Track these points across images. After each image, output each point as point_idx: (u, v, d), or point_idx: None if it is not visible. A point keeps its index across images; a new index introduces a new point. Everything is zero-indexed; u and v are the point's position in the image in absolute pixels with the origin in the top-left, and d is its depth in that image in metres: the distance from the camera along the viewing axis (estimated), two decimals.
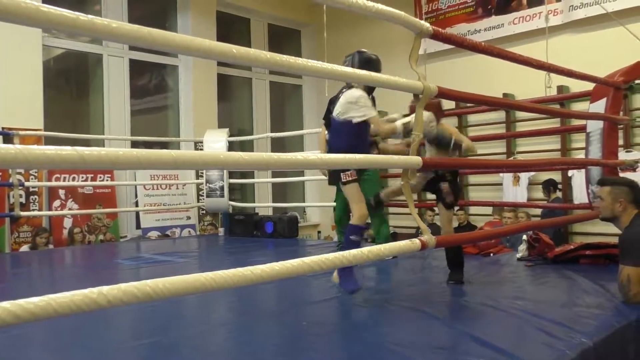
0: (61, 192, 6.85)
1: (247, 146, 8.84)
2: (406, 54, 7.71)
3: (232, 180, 7.66)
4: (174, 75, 8.57)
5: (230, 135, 7.56)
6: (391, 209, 7.92)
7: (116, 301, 1.17)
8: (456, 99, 2.50)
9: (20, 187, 5.80)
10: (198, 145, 7.75)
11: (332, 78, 1.76)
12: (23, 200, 6.22)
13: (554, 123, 6.73)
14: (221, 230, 7.65)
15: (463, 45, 2.31)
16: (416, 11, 8.29)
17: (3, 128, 6.09)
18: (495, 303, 3.01)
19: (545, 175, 6.92)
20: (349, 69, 1.80)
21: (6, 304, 0.98)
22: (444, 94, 2.12)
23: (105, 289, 1.14)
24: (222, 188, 7.33)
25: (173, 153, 1.30)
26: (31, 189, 6.43)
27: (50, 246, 6.37)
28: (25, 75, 6.51)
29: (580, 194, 6.59)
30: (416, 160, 2.02)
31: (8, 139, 5.64)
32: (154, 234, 7.49)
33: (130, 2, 7.86)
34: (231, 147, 7.45)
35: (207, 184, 7.46)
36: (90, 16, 1.14)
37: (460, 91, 2.27)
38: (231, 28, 9.29)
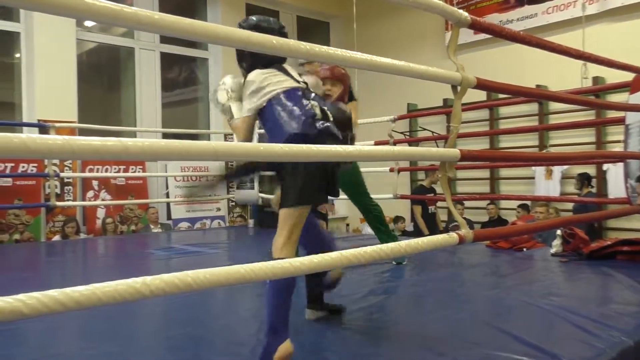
0: (94, 183, 6.98)
1: None
2: (434, 45, 7.62)
3: (262, 172, 7.68)
4: (203, 67, 8.63)
5: (260, 128, 7.57)
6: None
7: (158, 291, 1.17)
8: (496, 90, 2.44)
9: (55, 178, 5.92)
10: (228, 137, 7.79)
11: (369, 69, 1.73)
12: (58, 190, 6.35)
13: (588, 115, 6.57)
14: (250, 222, 7.70)
15: (501, 34, 2.25)
16: (446, 1, 8.17)
17: (39, 120, 6.22)
18: (530, 299, 2.96)
19: (578, 169, 6.77)
20: (387, 60, 1.77)
21: (54, 292, 1.00)
22: (483, 85, 2.07)
23: (148, 279, 1.15)
24: (252, 180, 7.36)
25: (214, 144, 1.29)
26: (66, 180, 6.56)
27: (81, 235, 6.50)
28: (60, 68, 6.64)
29: (616, 189, 6.43)
30: (454, 152, 1.98)
31: (44, 130, 5.76)
32: (184, 225, 7.58)
33: None
34: (261, 138, 7.46)
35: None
36: (134, 8, 1.14)
37: (500, 82, 2.21)
38: None
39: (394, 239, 4.21)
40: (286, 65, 2.34)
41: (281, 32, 2.28)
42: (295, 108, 2.10)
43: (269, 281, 2.02)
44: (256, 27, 2.20)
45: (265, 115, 2.20)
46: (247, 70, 2.31)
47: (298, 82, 2.27)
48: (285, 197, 2.16)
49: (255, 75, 2.24)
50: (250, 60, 2.31)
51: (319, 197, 2.27)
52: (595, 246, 4.15)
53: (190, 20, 1.24)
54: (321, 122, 2.05)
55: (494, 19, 7.78)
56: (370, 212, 4.20)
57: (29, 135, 0.97)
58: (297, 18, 9.73)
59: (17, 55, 6.77)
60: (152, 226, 7.14)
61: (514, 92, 2.72)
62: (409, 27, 8.78)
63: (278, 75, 2.23)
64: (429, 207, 7.23)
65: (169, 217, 7.64)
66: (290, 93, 2.17)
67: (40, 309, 0.97)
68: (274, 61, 2.27)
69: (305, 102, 2.13)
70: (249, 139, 2.30)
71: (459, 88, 2.03)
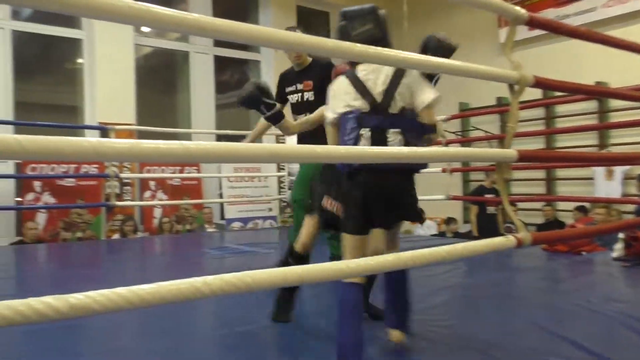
0: (152, 184, 7.20)
1: None
2: (486, 42, 7.45)
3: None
4: (255, 70, 8.76)
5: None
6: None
7: (218, 291, 1.20)
8: (555, 88, 2.36)
9: (115, 179, 6.15)
10: (280, 139, 7.88)
11: (426, 70, 1.72)
12: (118, 190, 6.59)
13: None
14: None
15: (561, 31, 2.18)
16: None
17: (100, 122, 6.47)
18: (590, 304, 2.87)
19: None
20: (443, 60, 1.75)
21: (121, 290, 1.04)
22: (541, 83, 2.02)
23: (209, 278, 1.18)
24: None
25: (269, 147, 1.32)
26: (125, 181, 6.81)
27: (139, 234, 6.72)
28: (119, 73, 6.89)
29: None
30: (511, 153, 1.93)
31: (104, 133, 5.99)
32: (236, 225, 7.72)
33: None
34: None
35: (289, 176, 7.58)
36: (196, 15, 1.18)
37: (559, 80, 2.15)
38: (311, 21, 9.35)
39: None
40: (364, 70, 2.10)
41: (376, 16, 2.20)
42: (345, 138, 2.03)
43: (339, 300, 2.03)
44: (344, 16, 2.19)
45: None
46: None
47: (364, 93, 2.04)
48: (342, 221, 2.14)
49: (331, 85, 2.19)
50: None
51: (377, 223, 2.12)
52: None
53: (249, 26, 1.27)
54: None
55: (549, 14, 7.55)
56: None
57: (99, 140, 1.01)
58: None
59: (80, 60, 7.06)
60: (206, 226, 7.31)
61: (573, 90, 2.64)
62: (459, 24, 8.62)
63: (346, 90, 2.08)
64: (488, 208, 7.08)
65: (222, 217, 7.80)
66: (348, 117, 2.04)
67: (109, 305, 1.02)
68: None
69: (354, 130, 2.00)
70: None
71: (515, 87, 1.99)
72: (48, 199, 6.32)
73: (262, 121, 3.67)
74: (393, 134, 1.99)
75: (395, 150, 1.72)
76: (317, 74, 3.39)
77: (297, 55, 3.37)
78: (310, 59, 3.48)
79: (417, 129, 2.03)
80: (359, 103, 2.03)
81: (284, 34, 1.40)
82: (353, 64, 2.17)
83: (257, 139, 3.91)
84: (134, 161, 2.79)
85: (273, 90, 2.68)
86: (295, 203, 3.38)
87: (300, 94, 3.44)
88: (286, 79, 3.54)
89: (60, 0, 0.99)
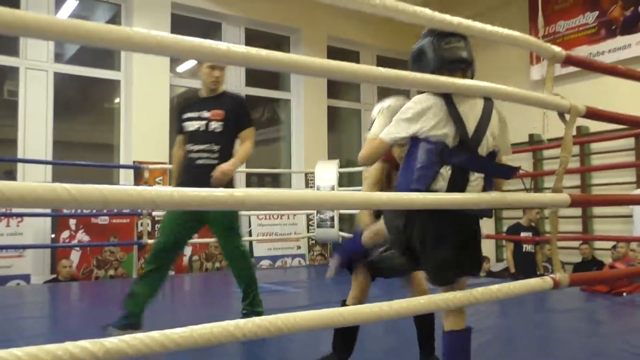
0: None
1: (356, 177, 8.89)
2: (519, 78, 7.41)
3: (342, 211, 7.72)
4: (286, 108, 8.88)
5: (340, 166, 7.64)
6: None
7: (250, 334, 1.20)
8: (606, 119, 2.31)
9: (148, 217, 6.23)
10: (309, 177, 7.91)
11: (470, 94, 1.68)
12: (150, 228, 6.67)
13: None
14: (330, 261, 7.69)
15: (599, 69, 2.16)
16: (531, 35, 7.98)
17: (134, 161, 6.61)
18: (632, 348, 2.74)
19: None
20: (487, 83, 1.72)
21: (155, 334, 1.04)
22: (593, 113, 1.98)
23: (241, 322, 1.17)
24: (332, 218, 7.40)
25: (315, 193, 1.32)
26: (157, 218, 6.88)
27: (170, 272, 6.74)
28: (154, 112, 7.07)
29: None
30: (564, 198, 1.87)
31: (139, 171, 6.11)
32: (265, 263, 7.70)
33: (247, 41, 8.31)
34: (341, 178, 7.53)
35: (318, 214, 7.57)
36: (243, 47, 1.21)
37: (611, 112, 2.11)
38: (341, 61, 9.48)
39: (256, 307, 3.44)
40: (457, 97, 1.78)
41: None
42: (416, 169, 1.74)
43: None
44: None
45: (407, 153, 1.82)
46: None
47: (457, 124, 1.74)
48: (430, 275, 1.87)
49: (423, 99, 1.79)
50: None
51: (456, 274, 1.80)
52: None
53: (296, 56, 1.30)
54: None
55: (583, 51, 7.50)
56: (234, 262, 3.48)
57: (145, 188, 1.03)
58: (377, 58, 9.85)
59: (117, 100, 7.28)
60: None
61: (623, 121, 2.58)
62: (491, 61, 8.60)
63: (438, 115, 1.75)
64: (524, 246, 6.93)
65: (251, 254, 7.80)
66: (427, 146, 1.74)
67: (142, 349, 1.02)
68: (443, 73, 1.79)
69: (433, 166, 1.72)
70: (371, 167, 2.05)
71: (567, 117, 1.96)
72: (82, 236, 6.43)
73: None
74: (476, 178, 1.75)
75: (437, 196, 1.64)
76: (231, 106, 3.27)
77: (216, 79, 3.27)
78: (223, 89, 3.36)
79: (502, 174, 1.84)
80: (447, 133, 1.73)
81: (317, 61, 1.41)
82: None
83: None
84: (176, 208, 2.86)
85: None
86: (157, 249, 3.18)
87: (205, 122, 3.23)
88: (188, 105, 3.36)
89: (116, 38, 1.03)
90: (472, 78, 1.86)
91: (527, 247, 6.90)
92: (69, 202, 0.95)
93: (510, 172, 1.79)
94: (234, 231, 3.42)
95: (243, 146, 3.34)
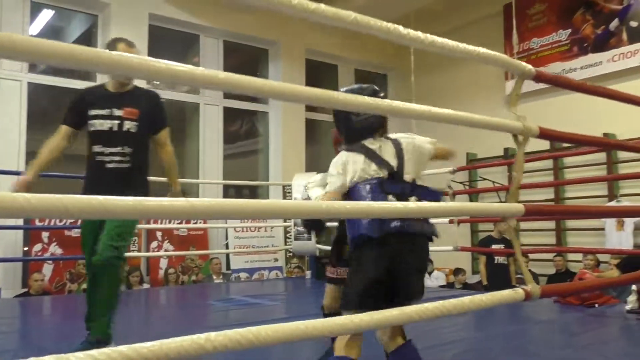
0: (158, 234, 7.19)
1: None
2: (494, 94, 7.54)
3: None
4: (264, 121, 8.89)
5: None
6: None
7: (221, 347, 1.18)
8: (560, 139, 2.38)
9: None
10: (286, 189, 7.90)
11: (430, 119, 1.73)
12: None
13: None
14: (308, 273, 7.67)
15: (568, 86, 2.21)
16: (506, 51, 8.13)
17: None
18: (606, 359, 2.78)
19: None
20: (448, 111, 1.76)
21: (123, 348, 1.02)
22: (545, 134, 2.03)
23: (212, 335, 1.16)
24: (309, 232, 7.38)
25: (280, 203, 1.32)
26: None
27: (145, 285, 6.65)
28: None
29: None
30: (518, 208, 1.92)
31: None
32: (242, 275, 7.65)
33: (225, 53, 8.32)
34: None
35: (295, 227, 7.55)
36: (206, 69, 1.21)
37: (565, 132, 2.16)
38: (319, 74, 9.55)
39: (102, 333, 2.80)
40: (373, 142, 2.15)
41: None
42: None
43: None
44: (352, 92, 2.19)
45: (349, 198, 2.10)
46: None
47: (381, 164, 2.08)
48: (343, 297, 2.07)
49: (338, 158, 2.18)
50: (342, 136, 2.29)
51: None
52: None
53: (259, 80, 1.30)
54: (395, 222, 1.95)
55: (556, 67, 7.67)
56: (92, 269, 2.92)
57: (106, 198, 1.02)
58: (355, 71, 9.94)
59: None
60: (214, 277, 7.25)
61: (578, 141, 2.64)
62: (467, 77, 8.77)
63: (358, 161, 2.09)
64: (496, 258, 6.99)
65: (228, 267, 7.75)
66: (366, 185, 2.05)
67: None
68: (355, 138, 2.17)
69: (378, 195, 2.00)
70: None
71: (520, 138, 2.00)
72: (55, 249, 6.31)
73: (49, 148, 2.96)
74: (413, 201, 2.02)
75: (401, 205, 1.71)
76: (145, 104, 2.94)
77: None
78: (133, 84, 2.99)
79: (432, 197, 2.08)
80: (376, 169, 2.07)
81: (291, 87, 1.42)
82: (351, 140, 2.20)
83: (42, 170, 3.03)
84: (139, 218, 2.81)
85: None
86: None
87: (117, 122, 2.88)
88: (93, 100, 2.91)
89: (77, 56, 1.02)
90: (386, 130, 2.23)
91: (499, 259, 6.97)
92: (29, 211, 0.93)
93: (439, 194, 2.12)
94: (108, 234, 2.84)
95: (167, 154, 3.13)
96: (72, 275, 6.36)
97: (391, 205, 1.59)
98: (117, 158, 2.90)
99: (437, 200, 2.08)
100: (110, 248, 2.78)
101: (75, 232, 6.41)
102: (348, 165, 2.10)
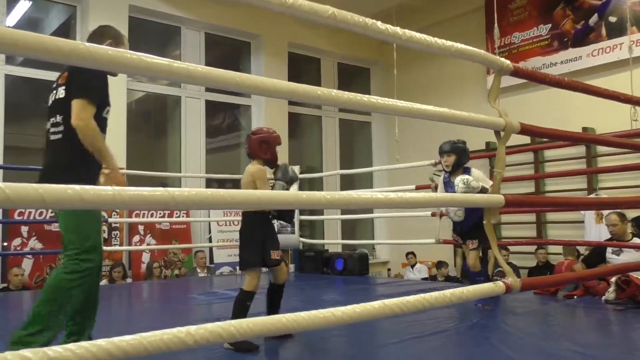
0: (140, 228, 7.13)
1: (316, 183, 8.92)
2: (476, 89, 7.60)
3: (302, 217, 7.71)
4: (246, 114, 8.84)
5: (301, 173, 7.64)
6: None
7: (202, 341, 1.18)
8: (540, 135, 2.41)
9: (103, 223, 6.08)
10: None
11: (412, 116, 1.75)
12: (106, 235, 6.52)
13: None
14: (291, 267, 7.67)
15: (545, 81, 2.24)
16: (488, 46, 8.18)
17: None
18: (584, 349, 2.82)
19: (633, 213, 6.52)
20: (429, 107, 1.78)
21: (102, 342, 1.01)
22: (526, 130, 2.05)
23: (192, 328, 1.15)
24: (292, 224, 7.38)
25: (258, 193, 1.31)
26: (113, 225, 6.73)
27: (128, 280, 6.60)
28: (111, 117, 6.90)
29: None
30: (498, 198, 1.94)
31: None
32: (226, 269, 7.62)
33: (207, 46, 8.25)
34: (301, 184, 7.53)
35: (278, 221, 7.54)
36: (184, 63, 1.19)
37: (545, 127, 2.18)
38: (302, 68, 9.52)
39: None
40: None
41: None
42: None
43: None
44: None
45: None
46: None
47: None
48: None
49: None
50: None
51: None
52: None
53: (238, 74, 1.29)
54: None
55: (537, 62, 7.74)
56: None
57: (83, 187, 1.00)
58: (338, 65, 9.93)
59: None
60: (199, 270, 7.21)
61: (559, 137, 2.68)
62: (449, 71, 8.81)
63: None
64: None
65: (211, 261, 7.72)
66: None
67: (88, 358, 0.99)
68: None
69: None
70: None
71: (502, 133, 2.02)
72: (35, 244, 6.23)
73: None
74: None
75: (382, 196, 1.71)
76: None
77: None
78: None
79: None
80: None
81: (273, 82, 1.42)
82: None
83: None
84: (120, 208, 2.70)
85: None
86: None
87: (55, 91, 2.62)
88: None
89: (56, 50, 1.00)
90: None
91: None
92: (4, 202, 0.91)
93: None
94: (66, 240, 2.55)
95: (79, 131, 2.45)
96: (52, 270, 6.28)
97: (372, 197, 1.60)
98: (53, 129, 2.58)
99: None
100: None
101: (55, 227, 6.34)
102: None
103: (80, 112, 2.44)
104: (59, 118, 2.54)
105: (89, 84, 2.50)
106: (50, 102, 2.63)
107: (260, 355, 2.90)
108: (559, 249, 7.09)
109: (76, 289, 2.46)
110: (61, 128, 2.53)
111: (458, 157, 4.07)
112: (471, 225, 4.13)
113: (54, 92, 2.61)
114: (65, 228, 2.56)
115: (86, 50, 1.06)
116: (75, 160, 2.50)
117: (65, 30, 7.20)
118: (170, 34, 8.05)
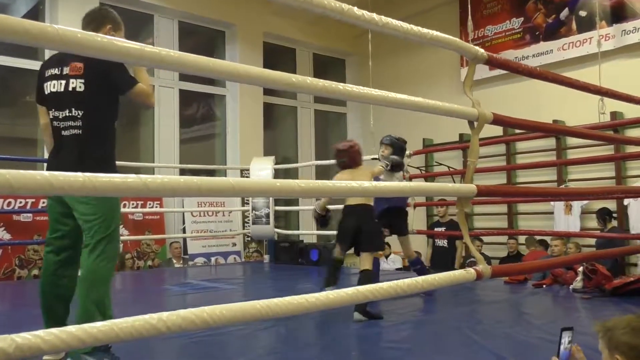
0: None
1: (292, 174, 8.90)
2: (450, 80, 7.67)
3: (277, 208, 7.71)
4: (221, 104, 8.77)
5: (276, 163, 7.63)
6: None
7: (175, 327, 1.17)
8: (512, 125, 2.45)
9: None
10: (244, 173, 7.85)
11: (386, 105, 1.76)
12: None
13: (607, 150, 6.52)
14: (266, 257, 7.68)
15: (518, 70, 2.27)
16: (462, 38, 8.24)
17: None
18: (553, 337, 2.89)
19: (598, 204, 6.68)
20: (404, 96, 1.79)
21: (72, 329, 1.00)
22: (499, 120, 2.08)
23: (164, 315, 1.15)
24: (267, 215, 7.38)
25: (232, 181, 1.31)
26: None
27: None
28: None
29: (637, 223, 6.32)
30: (471, 188, 1.97)
31: None
32: (200, 260, 7.58)
33: (181, 35, 8.14)
34: (276, 174, 7.52)
35: (253, 211, 7.52)
36: (157, 48, 1.18)
37: (517, 118, 2.22)
38: (277, 58, 9.47)
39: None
40: None
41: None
42: None
43: None
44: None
45: None
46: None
47: None
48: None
49: None
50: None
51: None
52: (618, 282, 4.07)
53: (211, 59, 1.28)
54: None
55: (509, 55, 7.83)
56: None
57: (52, 173, 0.99)
58: (314, 55, 9.90)
59: None
60: (174, 261, 7.15)
61: (530, 128, 2.73)
62: (424, 63, 8.86)
63: None
64: (436, 241, 7.20)
65: (185, 252, 7.66)
66: None
67: (58, 344, 0.98)
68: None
69: None
70: None
71: (475, 124, 2.04)
72: (3, 234, 6.10)
73: None
74: None
75: (356, 184, 1.73)
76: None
77: None
78: None
79: None
80: None
81: (246, 68, 1.41)
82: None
83: None
84: (90, 195, 2.50)
85: None
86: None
87: (64, 81, 2.49)
88: (48, 64, 2.60)
89: (23, 32, 0.98)
90: None
91: (439, 242, 7.17)
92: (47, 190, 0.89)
93: None
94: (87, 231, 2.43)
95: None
96: (21, 262, 6.16)
97: (347, 185, 1.61)
98: (68, 123, 2.49)
99: None
100: None
101: (25, 217, 6.22)
102: None
103: (150, 96, 2.59)
104: (75, 112, 2.46)
105: (126, 70, 2.51)
106: (51, 91, 2.52)
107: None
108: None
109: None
110: (79, 123, 2.46)
111: (394, 151, 4.32)
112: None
113: (60, 82, 2.48)
114: (93, 214, 2.39)
115: (55, 32, 1.04)
116: (109, 155, 2.53)
117: (34, 16, 7.02)
118: (143, 22, 7.91)
